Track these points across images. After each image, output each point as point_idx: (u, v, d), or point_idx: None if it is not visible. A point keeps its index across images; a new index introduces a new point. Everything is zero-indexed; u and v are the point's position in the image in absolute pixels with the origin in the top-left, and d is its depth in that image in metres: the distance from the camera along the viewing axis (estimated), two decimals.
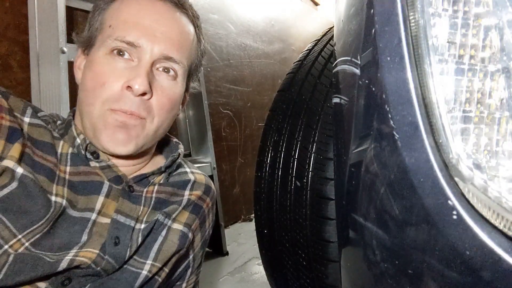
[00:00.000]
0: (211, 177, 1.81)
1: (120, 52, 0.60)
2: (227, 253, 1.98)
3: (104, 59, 0.60)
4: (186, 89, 0.72)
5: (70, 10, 1.43)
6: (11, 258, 0.52)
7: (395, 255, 0.42)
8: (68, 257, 0.55)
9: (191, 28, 0.68)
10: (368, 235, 0.46)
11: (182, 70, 0.66)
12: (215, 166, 1.93)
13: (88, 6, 1.48)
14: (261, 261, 1.05)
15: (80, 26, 1.50)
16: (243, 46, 2.69)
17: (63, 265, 0.54)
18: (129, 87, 0.58)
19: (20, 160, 0.54)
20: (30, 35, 1.28)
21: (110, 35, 0.60)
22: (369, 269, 0.48)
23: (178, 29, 0.64)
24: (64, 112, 1.15)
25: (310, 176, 0.80)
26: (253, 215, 2.20)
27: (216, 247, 1.97)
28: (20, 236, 0.53)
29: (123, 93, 0.59)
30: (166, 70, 0.64)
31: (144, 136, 0.62)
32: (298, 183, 0.83)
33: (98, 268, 0.58)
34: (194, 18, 0.69)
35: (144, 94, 0.59)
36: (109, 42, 0.59)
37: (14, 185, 0.52)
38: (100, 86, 0.59)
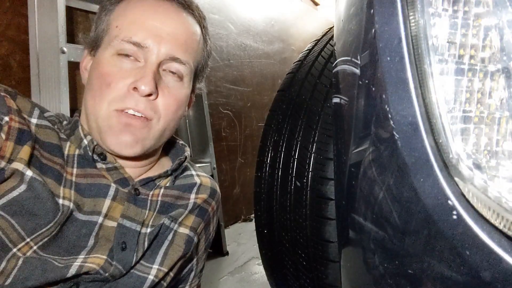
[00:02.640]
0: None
1: (127, 53, 0.60)
2: (227, 253, 1.98)
3: (111, 59, 0.60)
4: (192, 90, 0.72)
5: (70, 10, 1.43)
6: (20, 262, 0.52)
7: (395, 255, 0.42)
8: (77, 263, 0.55)
9: (197, 29, 0.67)
10: (368, 235, 0.46)
11: (188, 71, 0.65)
12: (215, 166, 1.93)
13: (88, 6, 1.48)
14: (261, 261, 1.05)
15: (80, 26, 1.50)
16: (243, 46, 2.69)
17: (72, 271, 0.54)
18: (135, 88, 0.58)
19: (29, 163, 0.54)
20: (30, 35, 1.28)
21: (117, 35, 0.60)
22: (369, 269, 0.48)
23: (185, 30, 0.64)
24: (64, 112, 1.15)
25: (310, 176, 0.80)
26: (253, 215, 2.20)
27: (216, 247, 1.97)
28: (28, 240, 0.53)
29: (129, 93, 0.58)
30: (173, 71, 0.63)
31: (152, 137, 0.62)
32: (298, 183, 0.83)
33: (106, 274, 0.57)
34: (200, 19, 0.69)
35: (150, 94, 0.59)
36: (116, 43, 0.59)
37: (23, 187, 0.52)
38: (106, 86, 0.58)
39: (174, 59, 0.62)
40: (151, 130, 0.61)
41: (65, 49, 1.16)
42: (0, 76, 1.25)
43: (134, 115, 0.59)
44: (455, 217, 0.35)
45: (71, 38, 1.44)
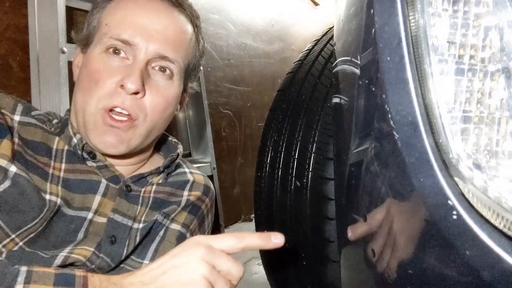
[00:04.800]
0: (211, 177, 1.80)
1: (115, 51, 0.60)
2: None
3: (100, 57, 0.60)
4: (184, 89, 0.72)
5: (70, 10, 1.43)
6: (3, 256, 0.51)
7: (395, 255, 0.42)
8: (63, 254, 0.55)
9: (188, 27, 0.67)
10: (368, 235, 0.46)
11: (178, 70, 0.65)
12: (215, 166, 1.93)
13: (88, 6, 1.47)
14: (261, 261, 1.05)
15: (80, 26, 1.50)
16: (243, 46, 2.69)
17: (57, 261, 0.53)
18: (122, 85, 0.58)
19: (13, 159, 0.53)
20: (30, 35, 1.28)
21: (106, 33, 0.60)
22: (369, 269, 0.48)
23: (174, 28, 0.64)
24: (64, 112, 1.14)
25: (310, 176, 0.80)
26: (253, 215, 2.20)
27: None
28: (13, 236, 0.52)
29: (116, 91, 0.59)
30: (162, 69, 0.63)
31: (137, 137, 0.62)
32: (298, 183, 0.83)
33: (93, 266, 0.57)
34: (192, 18, 0.68)
35: (136, 93, 0.59)
36: (105, 40, 0.60)
37: (7, 184, 0.52)
38: (94, 83, 0.59)
39: (163, 57, 0.62)
40: (136, 130, 0.61)
41: (65, 49, 1.16)
42: (0, 76, 1.25)
43: (120, 113, 0.59)
44: (455, 217, 0.35)
45: (71, 38, 1.44)
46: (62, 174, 0.59)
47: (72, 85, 1.25)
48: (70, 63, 1.19)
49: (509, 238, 0.33)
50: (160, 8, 0.63)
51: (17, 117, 0.58)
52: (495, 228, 0.33)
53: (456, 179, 0.36)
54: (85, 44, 0.65)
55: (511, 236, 0.33)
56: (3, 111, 0.57)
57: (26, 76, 1.29)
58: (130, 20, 0.60)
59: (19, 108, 0.59)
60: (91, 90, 0.59)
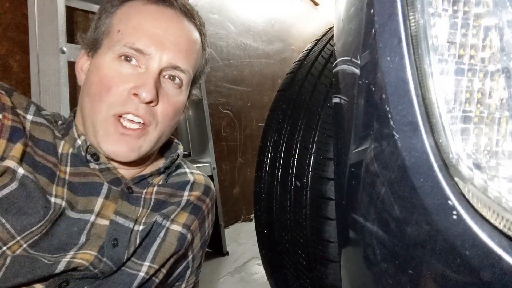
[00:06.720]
0: (211, 177, 1.80)
1: (127, 58, 0.60)
2: (227, 253, 1.97)
3: (112, 64, 0.60)
4: (188, 96, 0.73)
5: (70, 10, 1.43)
6: (8, 261, 0.52)
7: (395, 255, 0.42)
8: (66, 259, 0.55)
9: (198, 37, 0.68)
10: (368, 235, 0.46)
11: (187, 79, 0.66)
12: (215, 166, 1.93)
13: (88, 6, 1.48)
14: (261, 261, 1.05)
15: (80, 26, 1.50)
16: (243, 46, 2.69)
17: (61, 267, 0.54)
18: (136, 94, 0.58)
19: (21, 160, 0.54)
20: (30, 35, 1.28)
21: (119, 40, 0.60)
22: (369, 269, 0.48)
23: (186, 38, 0.65)
24: (64, 112, 1.15)
25: (310, 176, 0.80)
26: (253, 215, 2.20)
27: (216, 247, 1.97)
28: (18, 238, 0.53)
29: (129, 99, 0.59)
30: (172, 78, 0.64)
31: (148, 144, 0.63)
32: (298, 183, 0.83)
33: (96, 271, 0.57)
34: (200, 27, 0.69)
35: (150, 102, 0.60)
36: (118, 48, 0.60)
37: (14, 185, 0.52)
38: (106, 90, 0.59)
39: (175, 67, 0.63)
40: (147, 137, 0.62)
41: (65, 49, 1.16)
42: (0, 76, 1.25)
43: (132, 120, 0.60)
44: (455, 217, 0.35)
45: (71, 38, 1.44)
46: (67, 177, 0.60)
47: (72, 85, 1.25)
48: (70, 63, 1.19)
49: (509, 238, 0.33)
50: (172, 17, 0.64)
51: (29, 117, 0.59)
52: (495, 228, 0.33)
53: (456, 179, 0.36)
54: (92, 48, 0.64)
55: (511, 236, 0.33)
56: (18, 110, 0.57)
57: (26, 76, 1.29)
58: (144, 29, 0.60)
59: (32, 108, 0.60)
60: (102, 96, 0.59)
